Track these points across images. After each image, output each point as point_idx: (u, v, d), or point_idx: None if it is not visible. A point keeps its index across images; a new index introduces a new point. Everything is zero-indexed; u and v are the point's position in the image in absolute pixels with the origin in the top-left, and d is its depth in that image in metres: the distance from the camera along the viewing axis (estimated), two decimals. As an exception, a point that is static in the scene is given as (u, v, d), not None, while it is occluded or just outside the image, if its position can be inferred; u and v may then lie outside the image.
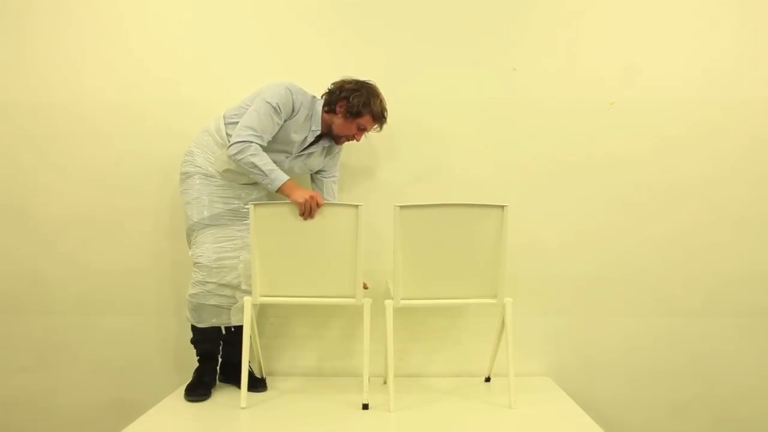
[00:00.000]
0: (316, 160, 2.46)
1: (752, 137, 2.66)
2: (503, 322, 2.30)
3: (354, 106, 2.29)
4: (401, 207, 2.13)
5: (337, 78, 2.36)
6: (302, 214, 2.14)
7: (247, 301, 2.21)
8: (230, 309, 2.34)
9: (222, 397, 2.34)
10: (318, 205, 2.14)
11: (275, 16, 2.68)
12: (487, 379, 2.61)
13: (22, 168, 2.71)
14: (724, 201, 2.67)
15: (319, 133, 2.39)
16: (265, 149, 2.25)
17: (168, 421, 2.14)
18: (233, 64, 2.68)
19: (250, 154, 2.18)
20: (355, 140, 2.40)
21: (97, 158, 2.70)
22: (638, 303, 2.69)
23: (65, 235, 2.71)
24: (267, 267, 2.19)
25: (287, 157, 2.38)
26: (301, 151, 2.40)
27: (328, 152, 2.48)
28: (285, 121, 2.29)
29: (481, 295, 2.23)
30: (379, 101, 2.31)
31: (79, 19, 2.69)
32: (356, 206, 2.14)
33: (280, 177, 2.20)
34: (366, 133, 2.39)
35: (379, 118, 2.33)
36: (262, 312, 2.66)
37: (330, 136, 2.42)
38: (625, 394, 2.70)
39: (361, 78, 2.36)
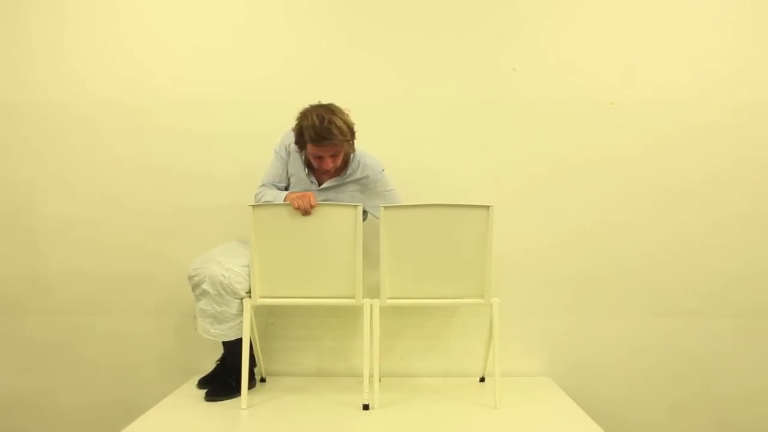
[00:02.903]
0: (347, 193, 2.35)
1: (753, 138, 2.66)
2: (491, 323, 2.30)
3: (296, 140, 2.22)
4: (386, 208, 2.15)
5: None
6: (297, 209, 2.13)
7: (247, 302, 2.21)
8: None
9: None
10: (311, 204, 2.12)
11: (275, 14, 2.68)
12: (482, 379, 2.61)
13: (21, 169, 2.71)
14: (724, 202, 2.67)
15: (304, 162, 2.32)
16: (290, 183, 2.38)
17: (168, 421, 2.14)
18: (233, 63, 2.68)
19: (259, 195, 2.35)
20: (327, 170, 2.24)
21: (97, 158, 2.70)
22: (638, 303, 2.69)
23: (65, 235, 2.71)
24: (266, 268, 2.19)
25: (312, 190, 2.31)
26: (322, 186, 2.34)
27: (362, 186, 2.36)
28: (286, 161, 2.35)
29: (469, 296, 2.23)
30: (310, 123, 2.12)
31: (77, 18, 2.68)
32: (355, 206, 2.14)
33: (283, 196, 2.24)
34: (330, 155, 2.19)
35: (316, 138, 2.12)
36: (261, 313, 2.66)
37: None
38: (624, 394, 2.70)
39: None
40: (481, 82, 2.67)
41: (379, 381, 2.44)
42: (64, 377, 2.74)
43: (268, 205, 2.19)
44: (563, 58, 2.66)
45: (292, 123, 2.62)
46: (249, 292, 2.23)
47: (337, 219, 2.16)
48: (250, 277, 2.21)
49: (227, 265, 2.21)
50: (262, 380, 2.59)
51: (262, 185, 2.37)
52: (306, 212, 2.14)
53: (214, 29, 2.68)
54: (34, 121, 2.70)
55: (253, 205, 2.15)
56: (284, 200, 2.21)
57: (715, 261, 2.67)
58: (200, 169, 2.69)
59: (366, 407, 2.19)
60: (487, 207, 2.15)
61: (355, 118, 2.32)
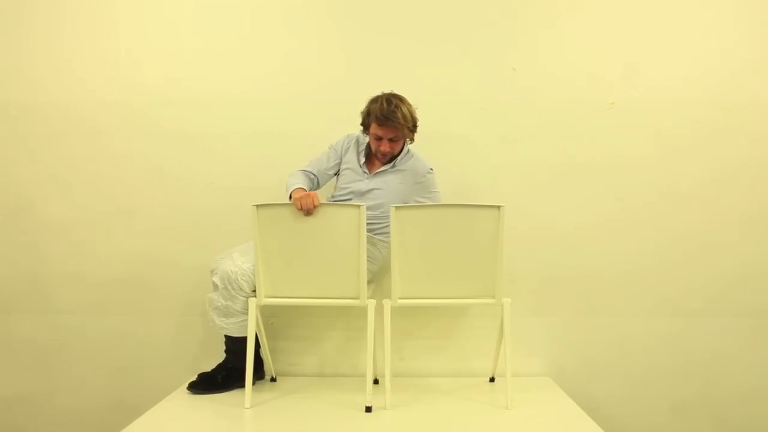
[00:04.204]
0: (395, 182, 2.40)
1: (753, 137, 2.66)
2: (502, 323, 2.30)
3: (362, 121, 2.36)
4: (397, 208, 2.14)
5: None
6: (300, 210, 2.13)
7: (252, 302, 2.21)
8: None
9: (226, 396, 2.34)
10: (314, 204, 2.12)
11: (276, 14, 2.68)
12: (492, 380, 2.60)
13: (21, 168, 2.71)
14: (725, 201, 2.67)
15: (362, 153, 2.44)
16: (338, 178, 2.49)
17: (168, 421, 2.13)
18: (233, 64, 2.68)
19: (289, 177, 2.40)
20: (383, 153, 2.35)
21: (96, 158, 2.70)
22: (638, 303, 2.69)
23: (65, 236, 2.71)
24: (271, 268, 2.19)
25: (362, 180, 2.41)
26: (374, 173, 2.41)
27: (409, 178, 2.42)
28: (341, 156, 2.48)
29: (480, 296, 2.23)
30: (378, 105, 2.28)
31: (77, 19, 2.68)
32: (358, 207, 2.14)
33: (292, 186, 2.29)
34: (389, 138, 2.30)
35: (381, 119, 2.27)
36: (263, 312, 2.65)
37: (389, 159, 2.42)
38: (624, 394, 2.70)
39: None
40: (481, 82, 2.67)
41: (378, 382, 2.46)
42: (63, 378, 2.74)
43: (272, 205, 2.18)
44: (563, 58, 2.66)
45: (292, 123, 2.65)
46: (255, 291, 2.24)
47: (340, 219, 2.15)
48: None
49: (238, 261, 2.29)
50: (273, 380, 2.59)
51: (304, 168, 2.45)
52: (308, 212, 2.14)
53: (214, 30, 2.68)
54: (34, 121, 2.70)
55: (257, 205, 2.14)
56: (291, 194, 2.24)
57: (715, 261, 2.67)
58: (200, 169, 2.69)
59: (369, 410, 2.17)
60: (498, 207, 2.14)
61: (356, 118, 2.36)
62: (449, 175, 2.66)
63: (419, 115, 2.37)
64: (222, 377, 2.38)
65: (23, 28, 2.68)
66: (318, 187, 2.47)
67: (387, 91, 2.34)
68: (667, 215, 2.67)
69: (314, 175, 2.45)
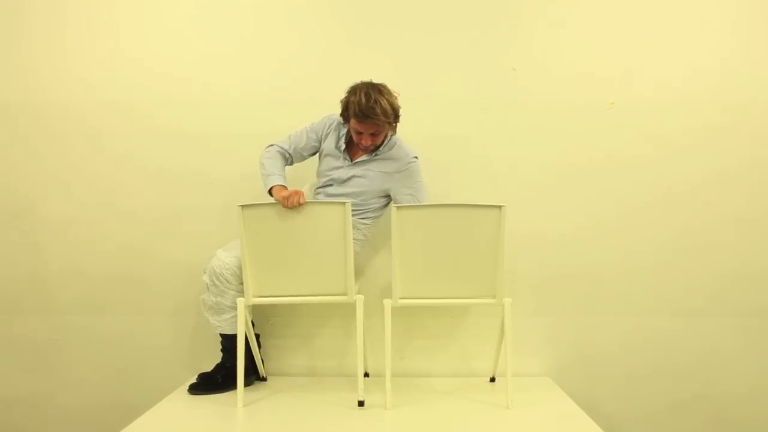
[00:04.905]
0: (375, 171, 2.37)
1: (753, 138, 2.66)
2: (502, 323, 2.30)
3: (342, 113, 2.29)
4: (398, 207, 2.14)
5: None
6: (286, 207, 2.12)
7: (240, 302, 2.21)
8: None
9: (226, 396, 2.34)
10: (299, 203, 2.10)
11: (276, 14, 2.68)
12: (492, 380, 2.60)
13: (21, 168, 2.71)
14: (725, 201, 2.67)
15: (343, 138, 2.38)
16: (319, 163, 2.44)
17: (167, 421, 2.14)
18: (233, 63, 2.68)
19: (265, 154, 2.37)
20: (365, 146, 2.30)
21: (96, 158, 2.70)
22: (638, 303, 2.69)
23: (65, 235, 2.71)
24: (258, 267, 2.19)
25: (342, 167, 2.38)
26: (354, 162, 2.38)
27: (392, 166, 2.37)
28: (321, 139, 2.43)
29: (481, 296, 2.23)
30: (357, 99, 2.17)
31: (77, 18, 2.68)
32: (343, 204, 2.13)
33: (272, 181, 2.25)
34: (370, 133, 2.25)
35: (360, 115, 2.18)
36: (262, 312, 2.66)
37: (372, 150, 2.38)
38: (624, 394, 2.70)
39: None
40: (481, 82, 2.67)
41: (366, 377, 2.47)
42: (63, 377, 2.74)
43: (257, 205, 2.16)
44: (563, 58, 2.66)
45: (293, 123, 2.64)
46: (242, 284, 2.25)
47: (326, 217, 2.14)
48: (241, 270, 2.24)
49: (221, 256, 2.31)
50: (264, 379, 2.59)
51: (281, 145, 2.40)
52: (292, 207, 2.12)
53: (214, 30, 2.68)
54: (34, 121, 2.70)
55: (242, 205, 2.14)
56: (271, 189, 2.23)
57: (715, 261, 2.68)
58: (200, 169, 2.69)
59: (361, 404, 2.18)
60: (500, 207, 2.14)
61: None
62: (449, 175, 2.67)
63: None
64: (222, 377, 2.38)
65: (23, 28, 2.68)
66: (290, 164, 2.45)
67: (383, 81, 2.29)
68: (667, 215, 2.67)
69: (289, 154, 2.41)
